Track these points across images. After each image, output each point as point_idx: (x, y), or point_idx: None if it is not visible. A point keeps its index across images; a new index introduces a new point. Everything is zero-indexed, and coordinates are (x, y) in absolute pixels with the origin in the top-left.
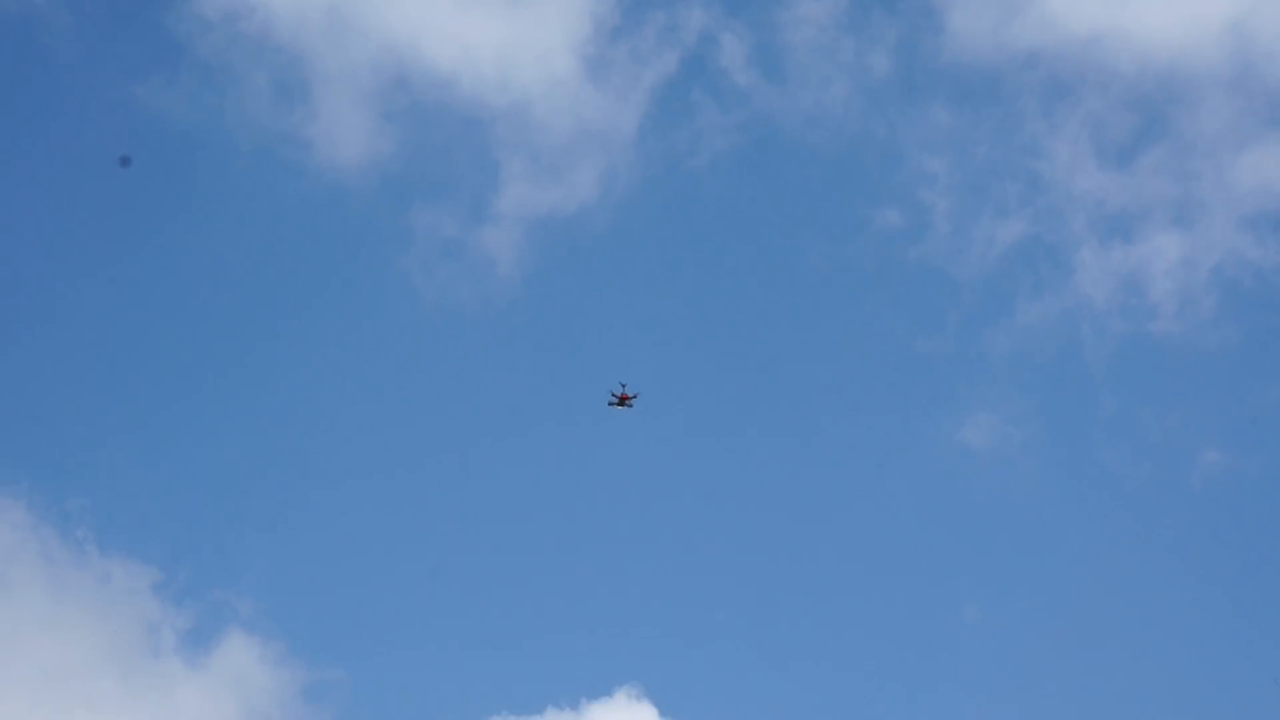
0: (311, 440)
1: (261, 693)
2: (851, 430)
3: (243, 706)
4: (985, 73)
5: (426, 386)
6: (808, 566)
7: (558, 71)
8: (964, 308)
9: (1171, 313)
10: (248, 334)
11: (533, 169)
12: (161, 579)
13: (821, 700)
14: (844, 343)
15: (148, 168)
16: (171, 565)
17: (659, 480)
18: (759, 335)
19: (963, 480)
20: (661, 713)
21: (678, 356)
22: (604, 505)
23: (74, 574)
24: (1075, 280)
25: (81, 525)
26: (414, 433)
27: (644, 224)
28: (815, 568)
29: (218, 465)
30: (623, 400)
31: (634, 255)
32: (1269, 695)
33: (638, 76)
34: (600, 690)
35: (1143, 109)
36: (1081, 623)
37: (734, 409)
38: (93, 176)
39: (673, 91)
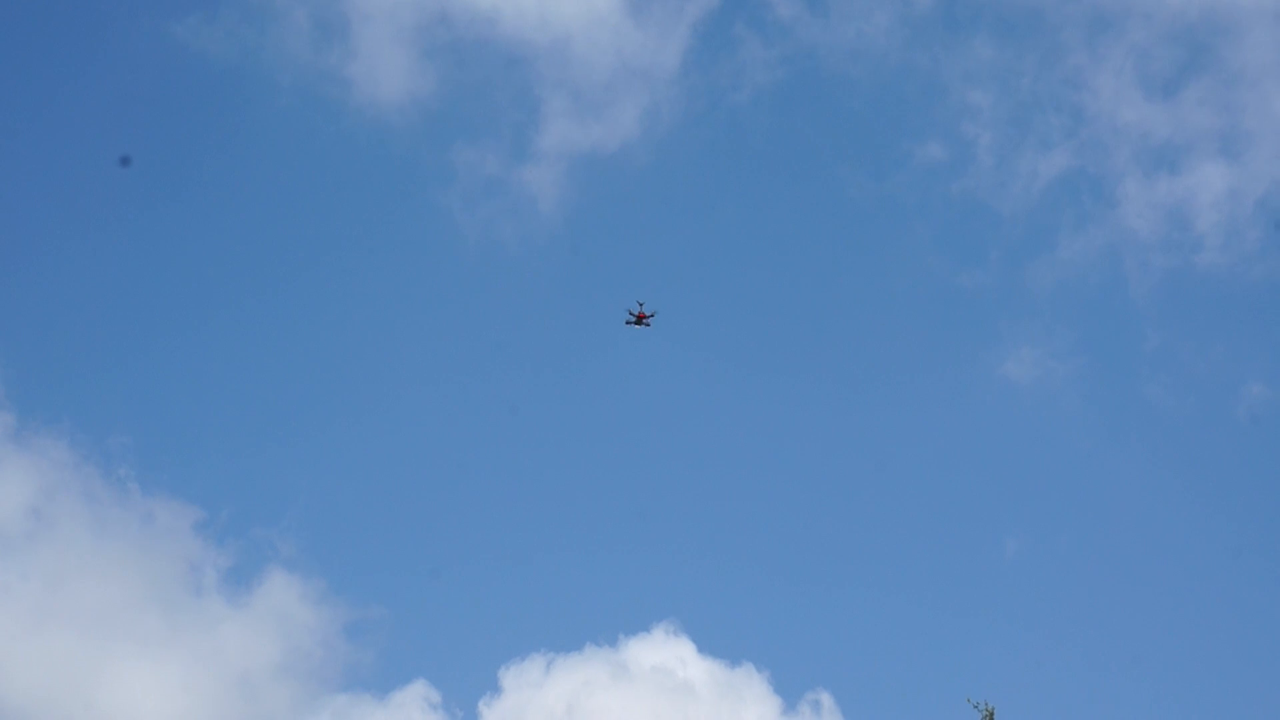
0: (353, 378)
1: (303, 630)
2: (894, 364)
3: (285, 644)
4: (1027, 5)
5: (468, 323)
6: (847, 501)
7: (598, 7)
8: (1007, 241)
9: (1217, 245)
10: (289, 272)
11: (574, 106)
12: (203, 518)
13: (860, 634)
14: (886, 277)
15: (187, 107)
16: (213, 503)
17: (697, 416)
18: (801, 271)
19: (1005, 414)
20: (700, 648)
21: (719, 293)
22: (643, 442)
23: (116, 512)
24: (1119, 213)
25: (123, 463)
26: (455, 370)
27: (686, 161)
28: (855, 502)
29: (258, 403)
30: (640, 319)
31: (676, 192)
32: None
33: (680, 11)
34: (639, 626)
35: (1187, 41)
36: (1122, 556)
37: (774, 344)
38: (133, 115)
39: (715, 26)
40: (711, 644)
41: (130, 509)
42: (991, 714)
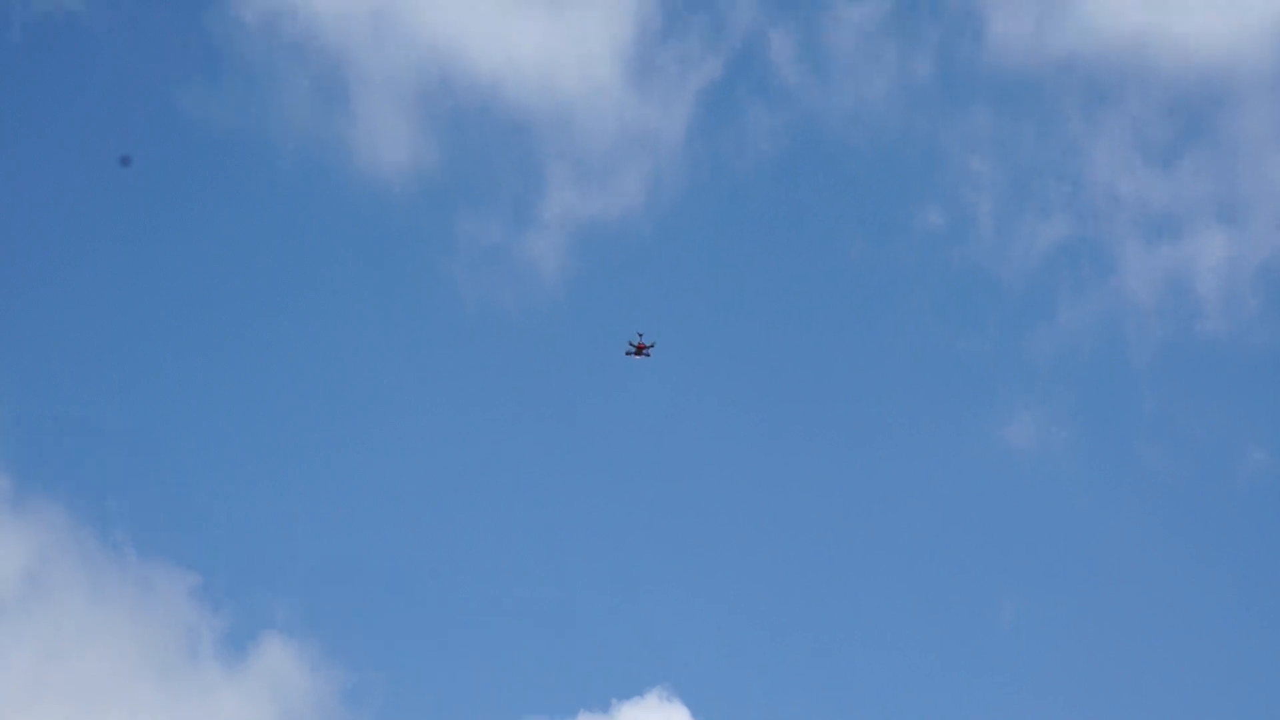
0: (351, 445)
1: (299, 696)
2: (893, 430)
3: (281, 709)
4: (1025, 77)
5: (469, 393)
6: (845, 565)
7: (601, 76)
8: (1006, 307)
9: (1217, 311)
10: (290, 340)
11: (577, 175)
12: (200, 583)
13: (856, 700)
14: (886, 342)
15: (188, 173)
16: (209, 568)
17: (696, 480)
18: (802, 336)
19: (1004, 479)
20: (694, 713)
21: (720, 359)
22: (640, 507)
23: (113, 578)
24: (1119, 280)
25: (120, 527)
26: (454, 438)
27: (689, 230)
28: (852, 566)
29: (256, 468)
30: (640, 350)
31: (679, 261)
32: None
33: (683, 80)
34: (632, 691)
35: (1184, 111)
36: (1121, 623)
37: (778, 410)
38: (134, 181)
39: (719, 95)
40: (707, 710)
41: (127, 574)
42: None
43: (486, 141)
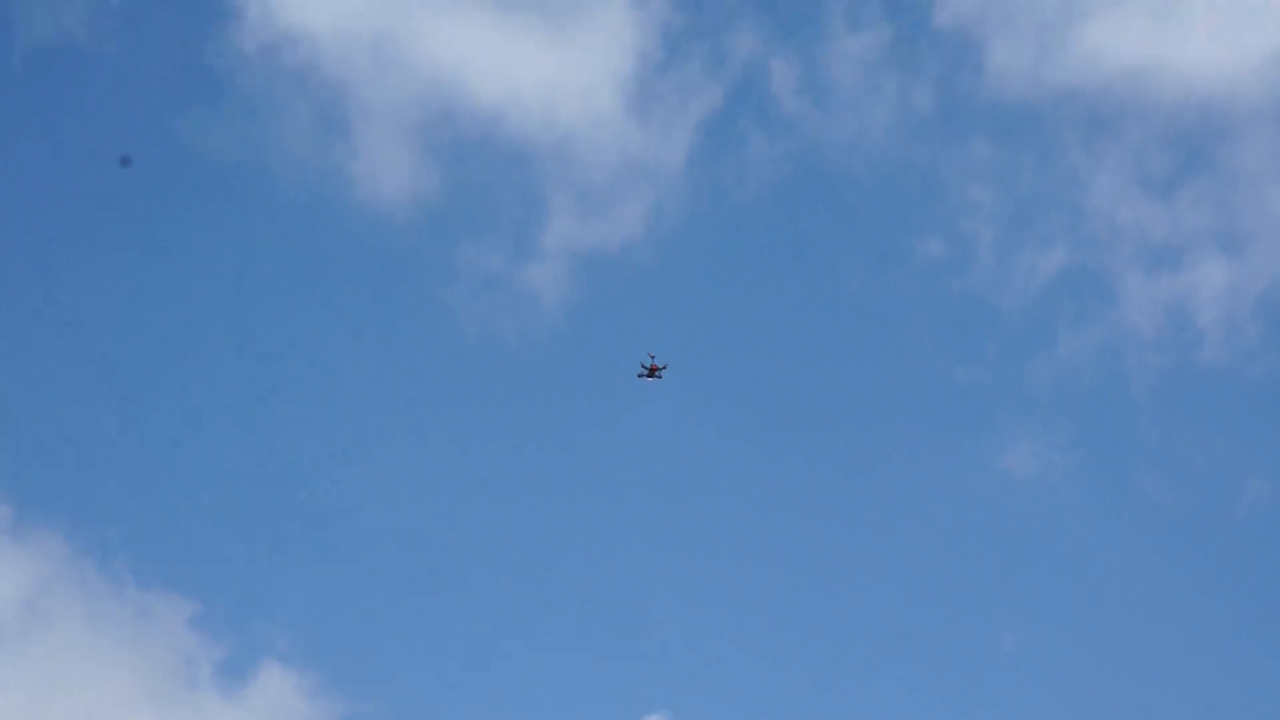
0: (351, 474)
1: None
2: (893, 458)
3: None
4: (1025, 108)
5: (470, 421)
6: (845, 593)
7: (602, 106)
8: (1006, 336)
9: (1217, 341)
10: (290, 369)
11: (578, 205)
12: (200, 611)
13: None
14: (886, 371)
15: (188, 202)
16: (209, 596)
17: (696, 508)
18: (802, 366)
19: (1004, 507)
20: None
21: (722, 389)
22: (640, 534)
23: (112, 606)
24: (1119, 309)
25: (119, 556)
26: (454, 467)
27: (690, 258)
28: (853, 595)
29: (256, 497)
30: (652, 372)
31: (679, 290)
32: None
33: (684, 109)
34: (629, 717)
35: (1184, 142)
36: (1121, 652)
37: (778, 438)
38: (135, 209)
39: (719, 124)
40: None
41: (126, 603)
42: None
43: (487, 171)
